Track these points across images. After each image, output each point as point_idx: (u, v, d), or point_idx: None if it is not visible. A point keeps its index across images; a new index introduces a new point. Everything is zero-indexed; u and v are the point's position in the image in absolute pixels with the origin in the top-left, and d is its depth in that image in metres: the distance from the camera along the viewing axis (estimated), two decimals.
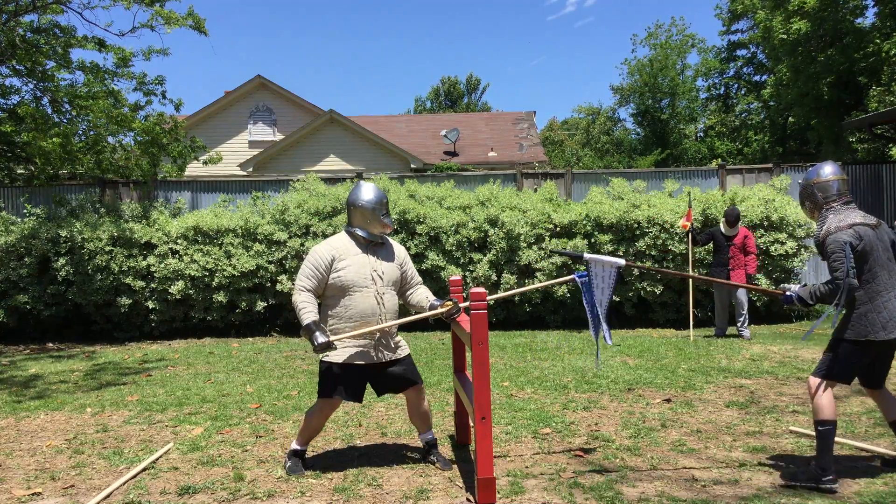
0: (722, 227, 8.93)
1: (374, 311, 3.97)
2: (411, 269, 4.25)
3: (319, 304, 4.07)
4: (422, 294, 4.23)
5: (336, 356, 3.95)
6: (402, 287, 4.20)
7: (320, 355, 3.97)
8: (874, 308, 3.62)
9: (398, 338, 4.16)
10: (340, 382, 3.98)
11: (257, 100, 21.06)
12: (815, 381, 3.76)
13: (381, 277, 4.03)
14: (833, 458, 3.67)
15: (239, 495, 3.73)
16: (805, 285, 3.95)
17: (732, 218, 8.78)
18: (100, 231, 10.08)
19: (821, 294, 3.74)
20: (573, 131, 41.59)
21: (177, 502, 3.68)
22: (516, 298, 10.17)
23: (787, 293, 3.95)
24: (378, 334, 4.02)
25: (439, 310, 4.06)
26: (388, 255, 4.13)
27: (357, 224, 4.10)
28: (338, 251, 4.00)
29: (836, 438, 4.44)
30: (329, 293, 4.00)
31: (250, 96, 21.05)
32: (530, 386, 6.21)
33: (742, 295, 8.88)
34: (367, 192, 4.09)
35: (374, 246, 4.11)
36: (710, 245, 9.26)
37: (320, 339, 3.82)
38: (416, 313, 4.21)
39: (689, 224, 9.15)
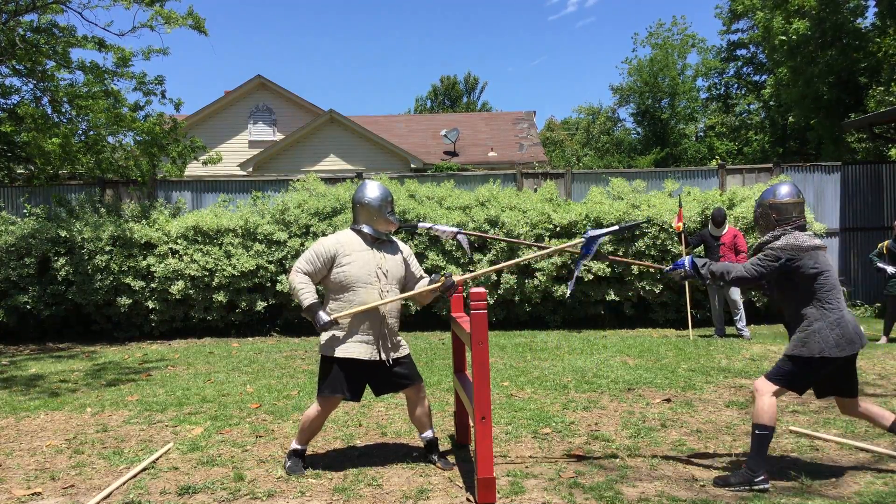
0: (710, 227, 9.06)
1: (377, 309, 3.99)
2: (415, 265, 4.26)
3: (322, 300, 4.09)
4: (423, 282, 4.23)
5: (340, 352, 3.95)
6: (407, 285, 4.21)
7: (322, 341, 3.99)
8: (828, 325, 3.66)
9: (399, 336, 4.17)
10: (341, 380, 3.98)
11: (257, 100, 21.05)
12: (764, 385, 3.76)
13: (385, 275, 4.04)
14: (766, 461, 3.70)
15: (239, 495, 3.73)
16: (706, 263, 4.05)
17: (720, 219, 8.97)
18: (100, 231, 10.08)
19: (718, 273, 3.92)
20: (573, 131, 41.59)
21: (177, 502, 3.68)
22: (516, 298, 10.18)
23: (678, 262, 4.09)
24: (384, 331, 4.03)
25: (434, 285, 4.05)
26: (394, 253, 4.15)
27: (363, 221, 4.11)
28: (343, 246, 4.01)
29: (837, 438, 4.46)
30: (332, 289, 4.01)
31: (250, 96, 21.04)
32: (530, 386, 6.22)
33: (735, 294, 8.90)
34: (373, 189, 4.12)
35: (380, 243, 4.12)
36: (702, 246, 9.34)
37: (324, 318, 3.85)
38: (420, 298, 4.20)
39: (681, 225, 9.25)
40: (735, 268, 3.89)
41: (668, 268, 4.13)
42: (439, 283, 4.04)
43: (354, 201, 4.14)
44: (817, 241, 3.80)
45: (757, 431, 3.68)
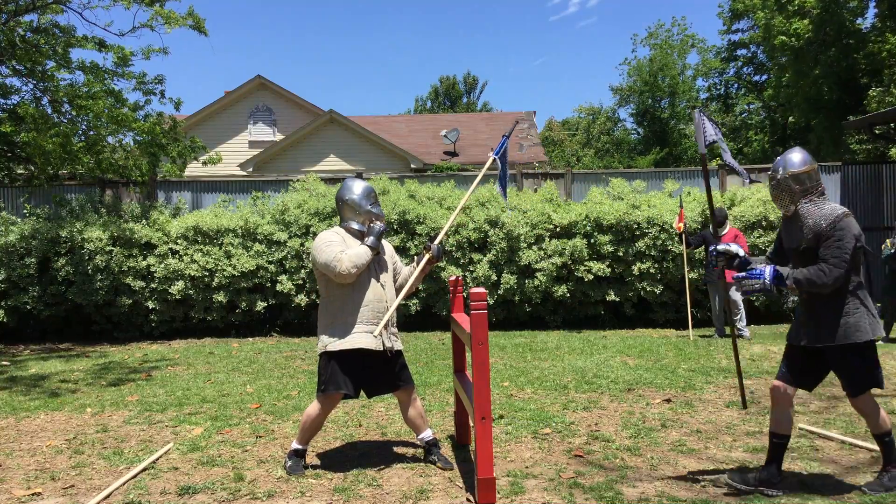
0: (711, 227, 9.06)
1: (381, 299, 4.06)
2: (399, 262, 4.39)
3: (322, 302, 4.10)
4: (406, 270, 4.34)
5: (347, 345, 3.95)
6: (395, 278, 4.31)
7: (327, 344, 3.99)
8: (868, 308, 3.51)
9: (395, 328, 4.22)
10: (343, 376, 3.99)
11: (257, 100, 21.05)
12: (862, 401, 3.56)
13: (380, 266, 4.15)
14: None
15: (239, 495, 3.73)
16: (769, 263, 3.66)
17: (721, 218, 8.96)
18: (100, 231, 10.08)
19: (805, 281, 3.42)
20: (573, 131, 41.59)
21: (177, 502, 3.68)
22: (516, 298, 10.17)
23: (758, 268, 3.52)
24: (383, 319, 4.07)
25: (424, 260, 4.18)
26: (381, 249, 4.22)
27: (349, 218, 4.18)
28: (344, 239, 4.08)
29: (836, 436, 4.45)
30: (334, 287, 4.02)
31: (250, 96, 21.04)
32: (530, 386, 6.21)
33: (735, 294, 8.90)
34: (355, 186, 4.20)
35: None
36: (703, 247, 9.34)
37: (377, 226, 4.07)
38: (404, 285, 4.28)
39: (682, 225, 9.25)
40: (818, 274, 3.38)
41: (741, 274, 3.59)
42: (426, 256, 4.17)
43: (338, 199, 4.22)
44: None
45: (886, 439, 3.55)
